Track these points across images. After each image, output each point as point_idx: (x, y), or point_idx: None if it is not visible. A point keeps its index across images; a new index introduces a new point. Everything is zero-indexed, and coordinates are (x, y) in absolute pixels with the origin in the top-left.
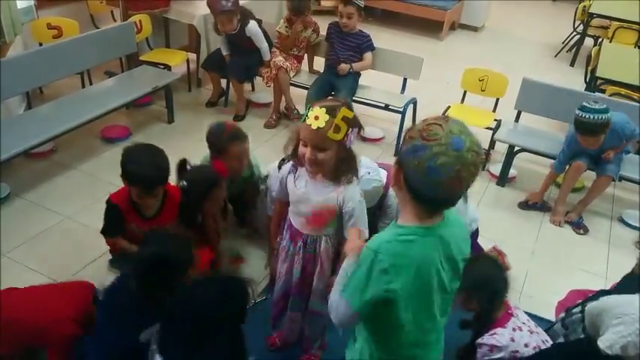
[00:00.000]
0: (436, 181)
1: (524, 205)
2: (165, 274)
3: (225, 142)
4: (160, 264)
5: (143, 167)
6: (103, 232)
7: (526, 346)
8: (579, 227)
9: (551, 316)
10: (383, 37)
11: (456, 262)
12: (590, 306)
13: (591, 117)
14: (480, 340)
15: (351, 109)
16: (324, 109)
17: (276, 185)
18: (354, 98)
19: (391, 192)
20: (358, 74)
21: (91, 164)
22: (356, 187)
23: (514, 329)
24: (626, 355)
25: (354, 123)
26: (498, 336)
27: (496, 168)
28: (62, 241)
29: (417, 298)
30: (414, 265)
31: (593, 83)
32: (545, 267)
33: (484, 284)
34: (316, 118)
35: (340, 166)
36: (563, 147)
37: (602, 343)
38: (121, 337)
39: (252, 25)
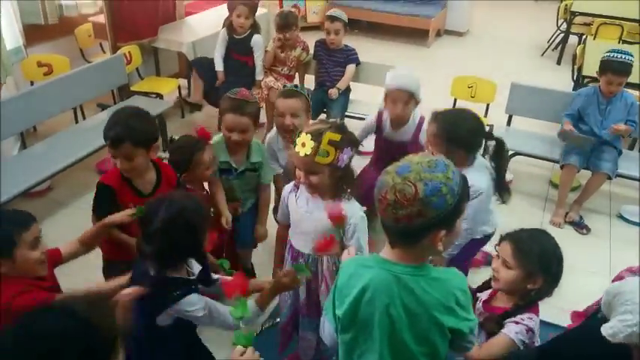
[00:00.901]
0: (376, 197)
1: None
2: (192, 232)
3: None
4: (183, 220)
5: (111, 122)
6: (94, 212)
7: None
8: (581, 227)
9: (559, 320)
10: (370, 48)
11: (418, 320)
12: (611, 286)
13: (620, 56)
14: (519, 319)
15: (339, 130)
16: (309, 136)
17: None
18: (346, 114)
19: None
20: (349, 90)
21: (87, 199)
22: (356, 203)
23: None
24: (630, 342)
25: (344, 144)
26: (534, 321)
27: None
28: (63, 278)
29: (357, 325)
30: (359, 289)
31: (581, 81)
32: None
33: (551, 255)
34: (303, 145)
35: (339, 185)
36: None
37: (605, 330)
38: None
39: (259, 37)
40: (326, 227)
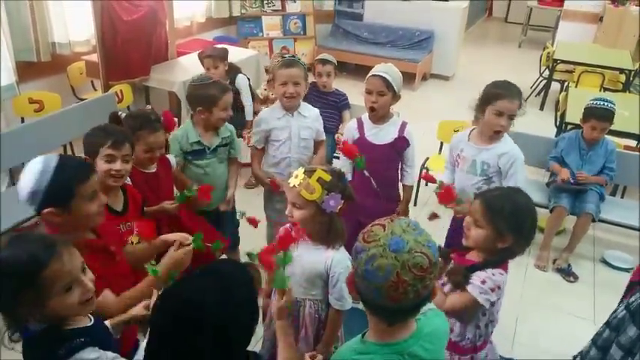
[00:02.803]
0: (375, 286)
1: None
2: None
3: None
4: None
5: (102, 128)
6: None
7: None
8: (569, 275)
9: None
10: (357, 90)
11: None
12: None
13: (603, 104)
14: (486, 277)
15: (333, 175)
16: (302, 169)
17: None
18: (335, 155)
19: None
20: (337, 132)
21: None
22: (345, 253)
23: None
24: None
25: (333, 187)
26: (505, 278)
27: None
28: None
29: None
30: None
31: (564, 127)
32: (535, 312)
33: (522, 215)
34: (295, 176)
35: (325, 231)
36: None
37: None
38: None
39: (241, 77)
40: (313, 272)
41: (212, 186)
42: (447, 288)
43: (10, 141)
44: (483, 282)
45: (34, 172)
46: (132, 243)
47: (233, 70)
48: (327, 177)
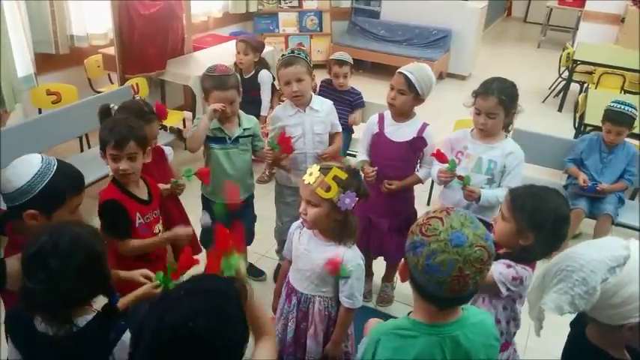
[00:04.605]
0: (437, 280)
1: None
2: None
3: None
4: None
5: (109, 125)
6: (116, 235)
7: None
8: None
9: None
10: (373, 88)
11: None
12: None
13: (620, 107)
14: (514, 263)
15: (349, 173)
16: (318, 167)
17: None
18: (348, 152)
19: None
20: (351, 130)
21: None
22: (357, 251)
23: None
24: (577, 310)
25: (349, 186)
26: (529, 274)
27: None
28: None
29: None
30: None
31: (583, 129)
32: (548, 318)
33: (546, 215)
34: (310, 174)
35: (338, 228)
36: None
37: (547, 305)
38: None
39: (265, 73)
40: (321, 268)
41: (208, 169)
42: None
43: (27, 131)
44: (509, 266)
45: (30, 170)
46: (159, 232)
47: (261, 64)
48: (343, 175)
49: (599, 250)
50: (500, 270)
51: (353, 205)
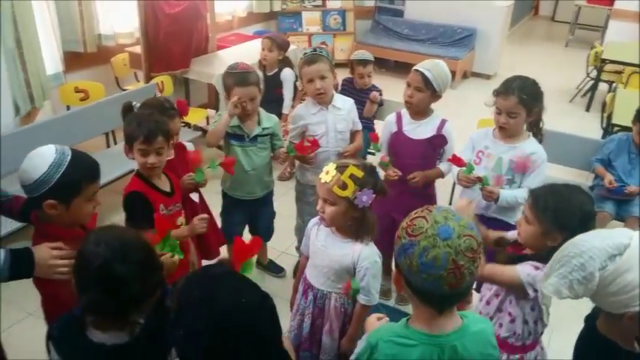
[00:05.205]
0: (435, 277)
1: None
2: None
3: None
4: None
5: (136, 122)
6: (138, 226)
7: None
8: None
9: None
10: (396, 88)
11: None
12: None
13: None
14: (542, 266)
15: (366, 170)
16: (334, 165)
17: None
18: (369, 151)
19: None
20: (372, 128)
21: (114, 221)
22: (374, 248)
23: None
24: (577, 296)
25: (366, 183)
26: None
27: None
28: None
29: None
30: None
31: (610, 129)
32: (570, 322)
33: (570, 212)
34: (327, 172)
35: (355, 226)
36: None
37: (547, 288)
38: None
39: (288, 71)
40: (340, 265)
41: (233, 158)
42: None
43: (56, 127)
44: (536, 268)
45: (46, 161)
46: (181, 224)
47: (285, 63)
48: (360, 173)
49: (603, 239)
50: (527, 272)
51: (370, 202)
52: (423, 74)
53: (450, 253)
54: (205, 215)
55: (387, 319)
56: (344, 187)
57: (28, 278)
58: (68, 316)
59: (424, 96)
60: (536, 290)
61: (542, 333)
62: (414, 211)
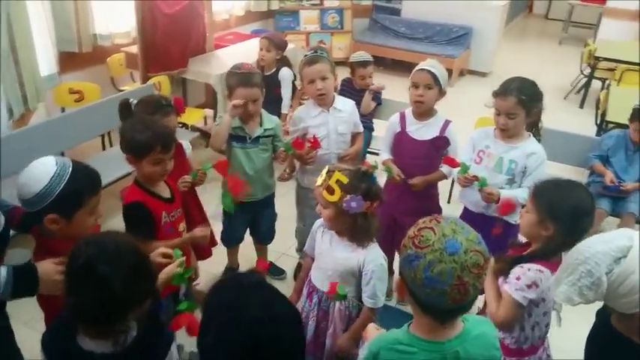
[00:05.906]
0: (438, 291)
1: None
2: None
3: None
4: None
5: (147, 131)
6: (141, 237)
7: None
8: None
9: None
10: (393, 85)
11: None
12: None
13: None
14: (521, 272)
15: (352, 176)
16: (326, 169)
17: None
18: (369, 150)
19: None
20: (372, 127)
21: (112, 225)
22: (379, 250)
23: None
24: (588, 301)
25: (352, 189)
26: (544, 275)
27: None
28: None
29: None
30: None
31: (604, 126)
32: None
33: (566, 205)
34: (321, 175)
35: (353, 230)
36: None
37: (558, 297)
38: None
39: (286, 71)
40: (345, 268)
41: (226, 160)
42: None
43: (51, 130)
44: (518, 278)
45: (47, 173)
46: (184, 230)
47: (283, 62)
48: (345, 179)
49: (605, 243)
50: (515, 287)
51: (361, 208)
52: (431, 72)
53: (455, 269)
54: (208, 229)
55: (384, 330)
56: (331, 192)
57: (31, 296)
58: (59, 321)
59: (433, 93)
60: (525, 297)
61: (540, 338)
62: (422, 220)
